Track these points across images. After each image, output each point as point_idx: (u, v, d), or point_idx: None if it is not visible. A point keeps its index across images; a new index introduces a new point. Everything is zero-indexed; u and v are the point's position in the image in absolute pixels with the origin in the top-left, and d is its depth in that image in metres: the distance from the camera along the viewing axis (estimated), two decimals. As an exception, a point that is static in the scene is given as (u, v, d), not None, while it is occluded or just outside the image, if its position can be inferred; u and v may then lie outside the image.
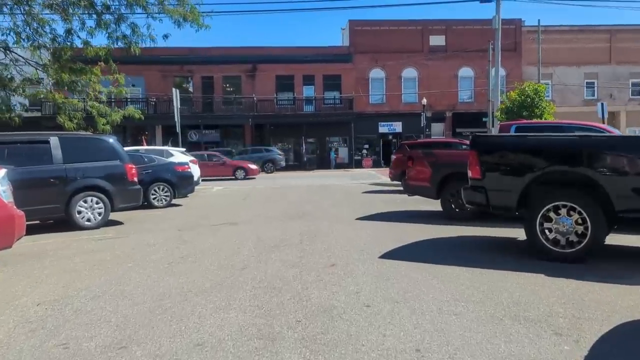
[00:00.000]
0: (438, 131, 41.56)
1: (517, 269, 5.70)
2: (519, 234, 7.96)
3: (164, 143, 39.07)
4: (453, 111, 41.87)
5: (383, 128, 41.53)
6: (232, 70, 40.87)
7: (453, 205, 9.84)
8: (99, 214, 9.81)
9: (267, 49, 41.23)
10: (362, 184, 21.48)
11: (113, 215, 11.04)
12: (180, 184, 13.76)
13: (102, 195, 9.83)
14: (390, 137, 42.00)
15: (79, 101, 16.32)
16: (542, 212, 6.00)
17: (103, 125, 16.39)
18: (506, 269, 5.72)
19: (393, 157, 17.73)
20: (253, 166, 29.32)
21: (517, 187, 6.19)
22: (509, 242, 7.61)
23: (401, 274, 5.55)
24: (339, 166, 40.06)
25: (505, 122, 11.85)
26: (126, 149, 16.41)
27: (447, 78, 41.44)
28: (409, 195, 11.09)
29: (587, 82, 41.77)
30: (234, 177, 28.20)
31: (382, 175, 27.49)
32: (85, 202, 9.67)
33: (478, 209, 7.00)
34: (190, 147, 40.15)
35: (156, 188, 13.30)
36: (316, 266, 6.08)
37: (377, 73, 41.74)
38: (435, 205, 11.08)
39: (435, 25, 41.92)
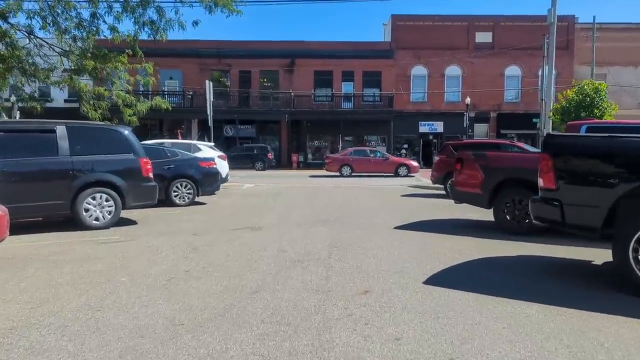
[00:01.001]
0: (481, 132, 39.65)
1: (607, 309, 4.37)
2: (595, 255, 6.58)
3: (200, 137, 38.60)
4: (498, 112, 39.88)
5: (423, 127, 39.90)
6: (270, 64, 39.97)
7: (508, 217, 8.47)
8: (109, 212, 8.85)
9: (305, 43, 40.13)
10: (401, 186, 20.14)
11: (127, 214, 10.13)
12: (205, 181, 12.77)
13: (113, 192, 8.87)
14: (431, 137, 40.34)
15: (105, 90, 15.44)
16: (638, 235, 4.65)
17: (129, 116, 15.57)
18: (591, 308, 4.40)
19: (436, 158, 16.35)
20: (414, 163, 28.90)
21: (605, 201, 4.84)
22: (584, 267, 6.23)
23: (454, 311, 4.31)
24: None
25: (574, 122, 10.39)
26: (149, 142, 15.66)
27: (493, 77, 39.45)
28: (455, 203, 9.78)
29: (644, 84, 39.07)
30: (394, 175, 27.55)
31: (422, 177, 26.05)
32: (94, 199, 8.73)
33: (550, 226, 5.64)
34: (226, 142, 39.69)
35: (178, 185, 12.34)
36: (345, 292, 4.89)
37: (419, 70, 40.12)
38: (484, 213, 9.74)
39: (482, 21, 39.99)
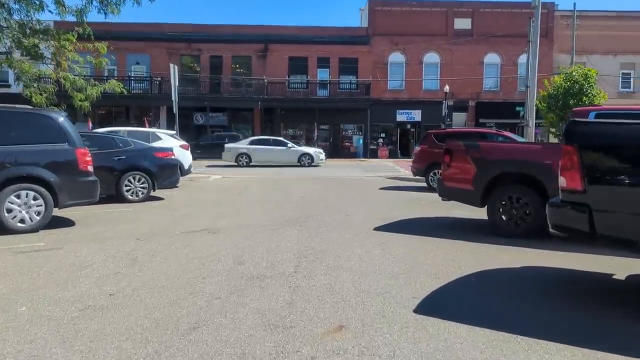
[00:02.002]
0: (460, 121, 38.70)
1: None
2: (613, 265, 5.48)
3: (169, 125, 36.80)
4: (477, 100, 38.97)
5: (401, 116, 38.78)
6: (243, 49, 38.31)
7: (504, 217, 7.36)
8: (38, 213, 7.46)
9: (280, 28, 38.62)
10: (379, 178, 19.01)
11: (67, 213, 8.75)
12: (161, 173, 11.39)
13: (43, 189, 7.47)
14: (409, 126, 39.31)
15: (53, 72, 13.78)
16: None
17: (80, 101, 14.04)
18: (630, 353, 3.29)
19: (417, 148, 15.22)
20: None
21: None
22: (604, 283, 5.14)
23: (460, 362, 3.14)
24: (352, 155, 37.52)
25: (581, 108, 9.33)
26: (100, 130, 14.18)
27: (472, 64, 38.46)
28: (443, 200, 8.65)
29: (622, 73, 38.61)
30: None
31: (401, 167, 25.03)
32: (19, 197, 7.32)
33: (572, 237, 4.50)
34: (196, 130, 38.04)
35: (131, 178, 10.94)
36: (312, 328, 3.69)
37: (396, 57, 38.91)
38: (474, 210, 8.62)
39: (461, 7, 38.94)
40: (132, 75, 38.63)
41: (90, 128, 23.01)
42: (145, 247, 6.43)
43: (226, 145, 27.89)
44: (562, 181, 4.24)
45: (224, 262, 5.68)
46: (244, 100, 37.21)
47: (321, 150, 28.55)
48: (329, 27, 39.28)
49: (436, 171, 14.13)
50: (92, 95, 13.82)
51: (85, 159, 7.91)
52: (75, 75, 13.78)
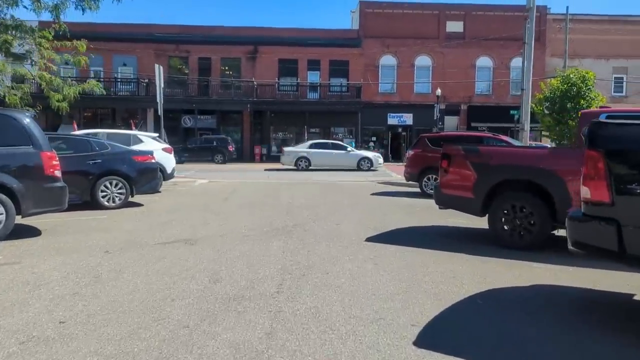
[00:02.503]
0: (452, 125, 38.29)
1: None
2: (632, 283, 4.92)
3: (156, 128, 35.97)
4: (469, 104, 38.60)
5: (392, 119, 38.30)
6: (232, 51, 37.71)
7: (507, 227, 6.79)
8: (-3, 222, 6.80)
9: (270, 29, 38.05)
10: (370, 182, 18.45)
11: (34, 221, 8.07)
12: (140, 178, 10.72)
13: (3, 196, 6.81)
14: (400, 129, 38.83)
15: (18, 68, 12.97)
16: None
17: (58, 101, 13.33)
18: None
19: (409, 152, 14.67)
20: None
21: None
22: (625, 304, 4.58)
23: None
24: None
25: (590, 110, 8.82)
26: (77, 132, 13.50)
27: (464, 68, 38.10)
28: (440, 208, 8.06)
29: (615, 77, 38.39)
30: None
31: (392, 171, 24.50)
32: (-24, 205, 6.67)
33: (596, 255, 3.93)
34: (185, 133, 37.30)
35: (107, 183, 10.26)
36: (295, 369, 3.08)
37: (387, 60, 38.47)
38: (470, 218, 8.06)
39: (453, 10, 38.63)
40: (119, 76, 37.89)
41: (76, 130, 22.28)
42: (113, 262, 5.79)
43: (285, 149, 27.46)
44: (585, 192, 3.67)
45: (199, 279, 5.06)
46: (233, 102, 36.58)
47: (379, 155, 28.20)
48: (320, 29, 38.81)
49: (430, 176, 13.63)
50: (69, 95, 13.12)
51: (52, 163, 7.25)
52: (51, 75, 13.06)
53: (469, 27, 38.13)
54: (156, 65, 20.69)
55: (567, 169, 6.22)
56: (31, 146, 7.10)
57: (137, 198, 11.46)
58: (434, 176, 13.61)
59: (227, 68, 38.59)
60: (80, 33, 34.00)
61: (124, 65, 38.46)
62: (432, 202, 11.85)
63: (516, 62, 38.47)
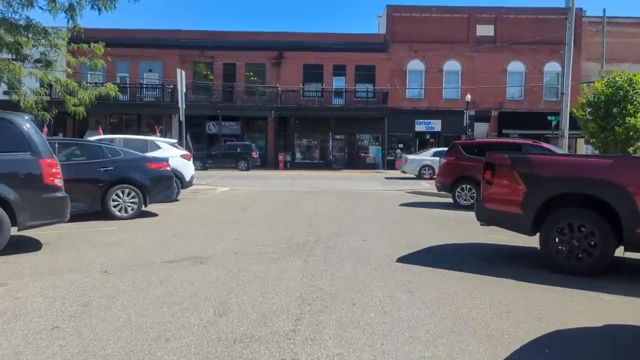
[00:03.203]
0: (482, 132, 37.06)
1: None
2: None
3: (180, 134, 35.57)
4: (500, 110, 37.31)
5: (420, 126, 37.23)
6: (256, 57, 37.21)
7: (563, 248, 5.87)
8: (-10, 236, 6.17)
9: (294, 35, 37.42)
10: (398, 192, 17.55)
11: (38, 232, 7.46)
12: (154, 186, 10.07)
13: (-3, 207, 6.19)
14: (428, 136, 37.76)
15: (35, 72, 12.48)
16: None
17: (74, 105, 12.84)
18: None
19: (442, 161, 13.75)
20: None
21: None
22: None
23: None
24: (368, 167, 36.03)
25: None
26: (91, 138, 12.96)
27: (495, 73, 36.84)
28: (481, 225, 7.14)
29: (654, 82, 36.63)
30: None
31: (421, 180, 23.52)
32: (-34, 217, 6.05)
33: None
34: (209, 139, 36.90)
35: (119, 192, 9.63)
36: None
37: (415, 65, 37.46)
38: (513, 235, 7.13)
39: (484, 13, 37.47)
40: (145, 82, 37.77)
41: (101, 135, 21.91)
42: (110, 284, 5.07)
43: (409, 157, 26.56)
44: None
45: (203, 310, 4.29)
46: (258, 109, 36.08)
47: None
48: (345, 33, 38.13)
49: (464, 186, 12.73)
50: (84, 99, 12.59)
51: (52, 170, 6.60)
52: (67, 78, 12.54)
53: (500, 30, 36.92)
54: (178, 70, 20.23)
55: (637, 181, 5.31)
56: (29, 152, 6.46)
57: (152, 207, 10.84)
58: (468, 186, 12.71)
59: (251, 74, 38.14)
60: (106, 39, 33.97)
61: (150, 71, 38.31)
62: (466, 214, 10.99)
63: (549, 66, 37.27)
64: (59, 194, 6.73)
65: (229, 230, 8.66)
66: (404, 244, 7.52)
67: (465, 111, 33.96)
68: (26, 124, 6.58)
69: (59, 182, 6.73)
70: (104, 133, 24.45)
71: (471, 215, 10.72)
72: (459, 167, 12.80)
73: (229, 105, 36.09)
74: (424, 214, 11.35)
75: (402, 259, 6.45)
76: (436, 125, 37.07)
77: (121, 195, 9.66)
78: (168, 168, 10.57)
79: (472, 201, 12.60)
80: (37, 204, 6.51)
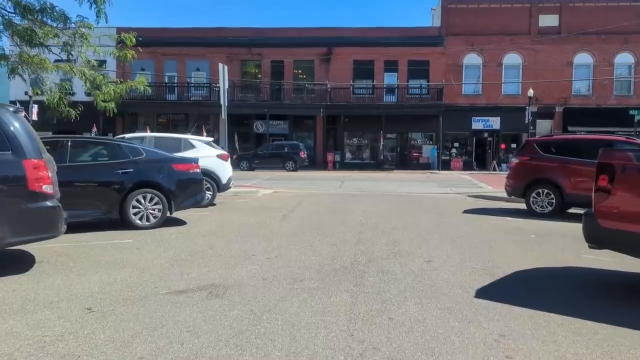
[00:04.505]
0: (545, 129, 34.25)
1: None
2: None
3: (229, 133, 34.57)
4: (565, 106, 34.52)
5: (477, 124, 34.91)
6: (305, 54, 35.91)
7: None
8: (-40, 256, 4.96)
9: (344, 30, 35.93)
10: (458, 195, 15.76)
11: (35, 246, 6.25)
12: (180, 191, 8.77)
13: (-32, 220, 4.97)
14: (486, 134, 35.43)
15: (68, 65, 11.49)
16: None
17: (103, 102, 11.80)
18: None
19: (514, 160, 11.89)
20: None
21: None
22: None
23: None
24: (421, 167, 34.03)
25: None
26: (120, 136, 11.85)
27: (559, 66, 34.07)
28: (590, 246, 5.33)
29: None
30: None
31: (482, 182, 21.54)
32: None
33: None
34: (257, 139, 35.86)
35: (140, 197, 8.37)
36: None
37: (472, 59, 35.17)
38: (617, 256, 5.37)
39: (547, 2, 34.71)
40: (192, 82, 37.19)
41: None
42: (83, 333, 3.71)
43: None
44: None
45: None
46: (306, 107, 34.81)
47: None
48: (397, 27, 36.22)
49: (541, 191, 10.87)
50: (109, 93, 11.48)
51: (39, 174, 5.33)
52: (91, 69, 11.47)
53: (565, 20, 34.14)
54: (220, 65, 19.02)
55: None
56: (10, 152, 5.23)
57: (182, 214, 9.59)
58: (546, 191, 10.84)
59: (300, 71, 36.92)
60: (153, 39, 33.26)
61: (197, 70, 37.68)
62: (547, 225, 9.21)
63: (621, 57, 34.22)
64: (49, 203, 5.46)
65: (262, 245, 7.23)
66: (481, 268, 5.88)
67: (527, 107, 31.49)
68: (9, 117, 5.34)
69: (48, 188, 5.46)
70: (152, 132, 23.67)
71: (553, 226, 8.99)
72: (534, 168, 10.97)
73: (276, 103, 35.00)
74: (495, 225, 9.57)
75: (483, 293, 4.83)
76: (495, 122, 34.70)
77: (142, 201, 8.40)
78: (198, 170, 9.24)
79: (550, 208, 10.76)
80: (20, 216, 5.26)
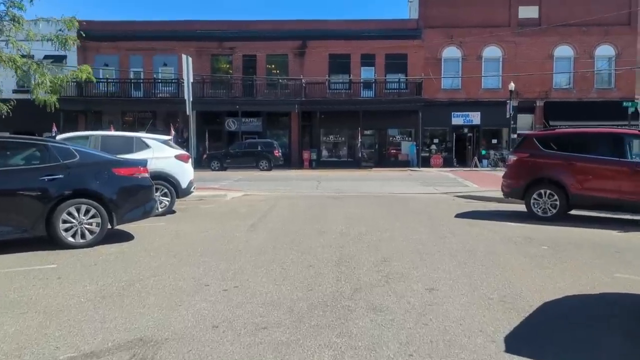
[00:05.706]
0: (526, 124, 33.39)
1: None
2: None
3: (198, 131, 32.84)
4: (546, 100, 33.66)
5: (457, 119, 33.83)
6: (278, 47, 34.36)
7: None
8: None
9: (319, 22, 34.43)
10: (444, 196, 14.51)
11: None
12: (123, 201, 7.25)
13: None
14: (466, 130, 34.42)
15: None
16: None
17: (44, 91, 10.13)
18: None
19: (511, 158, 10.60)
20: None
21: None
22: None
23: None
24: (400, 164, 32.87)
25: None
26: (59, 137, 10.27)
27: (540, 59, 33.15)
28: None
29: None
30: None
31: (464, 179, 20.42)
32: None
33: None
34: (229, 137, 34.21)
35: (73, 210, 6.83)
36: None
37: (451, 52, 34.05)
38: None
39: (527, -7, 33.84)
40: (159, 77, 35.29)
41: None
42: None
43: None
44: None
45: None
46: (280, 103, 33.30)
47: None
48: (374, 20, 34.92)
49: (543, 191, 9.63)
50: (45, 84, 9.87)
51: None
52: (23, 57, 9.83)
53: (546, 12, 33.28)
54: (184, 56, 17.38)
55: None
56: None
57: (132, 225, 8.06)
58: (548, 191, 9.61)
59: (273, 66, 35.37)
60: (118, 32, 31.21)
61: (165, 65, 35.84)
62: (555, 231, 7.98)
63: (601, 50, 33.49)
64: None
65: (220, 268, 5.79)
66: (498, 298, 4.56)
67: (508, 102, 30.61)
68: None
69: None
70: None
71: (562, 233, 7.81)
72: (534, 166, 9.74)
73: (249, 100, 33.34)
74: (495, 233, 8.28)
75: (516, 343, 3.48)
76: (475, 117, 33.69)
77: (76, 214, 6.86)
78: (146, 174, 7.72)
79: (553, 211, 9.54)
80: None
